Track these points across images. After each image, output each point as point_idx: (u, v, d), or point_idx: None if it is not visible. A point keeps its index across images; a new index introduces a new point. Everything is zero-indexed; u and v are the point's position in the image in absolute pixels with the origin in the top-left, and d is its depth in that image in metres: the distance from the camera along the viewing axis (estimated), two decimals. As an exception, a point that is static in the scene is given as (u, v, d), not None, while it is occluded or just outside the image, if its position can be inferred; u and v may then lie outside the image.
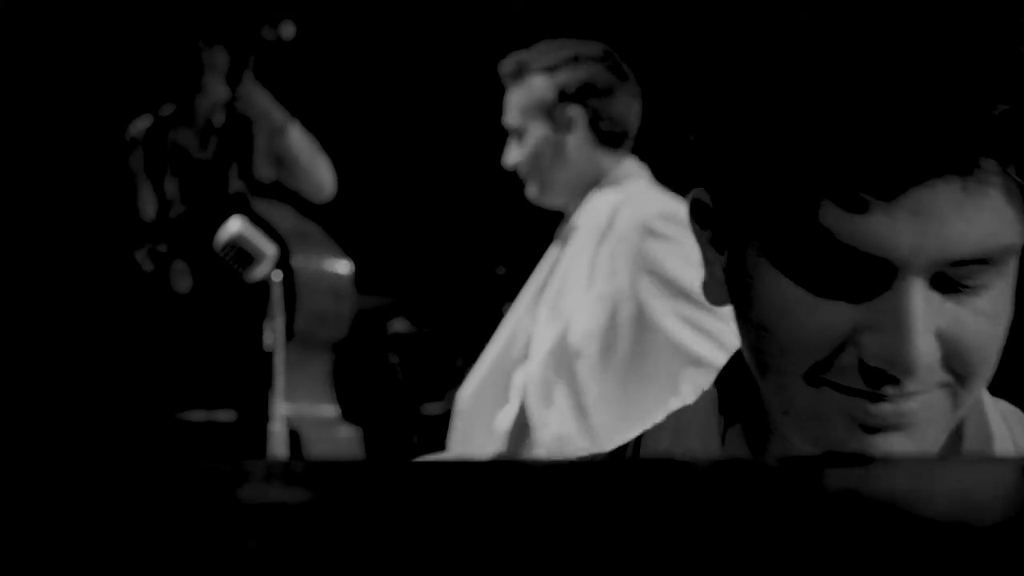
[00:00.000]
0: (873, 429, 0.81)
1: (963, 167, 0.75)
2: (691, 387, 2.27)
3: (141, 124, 4.20)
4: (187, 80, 4.08)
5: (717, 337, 2.26)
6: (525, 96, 2.47)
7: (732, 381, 0.93)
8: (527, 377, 2.40)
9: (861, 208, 0.76)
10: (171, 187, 4.13)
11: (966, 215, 0.76)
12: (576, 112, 2.46)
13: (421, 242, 5.85)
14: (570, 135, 2.46)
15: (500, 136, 2.67)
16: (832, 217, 0.77)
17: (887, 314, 0.78)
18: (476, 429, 2.50)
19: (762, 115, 0.82)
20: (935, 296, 0.79)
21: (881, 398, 0.80)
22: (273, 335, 2.38)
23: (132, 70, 4.89)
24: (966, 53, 0.78)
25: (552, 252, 2.55)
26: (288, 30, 3.92)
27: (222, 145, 3.97)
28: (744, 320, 0.86)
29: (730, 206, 0.85)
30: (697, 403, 0.98)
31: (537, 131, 2.47)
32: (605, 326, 2.31)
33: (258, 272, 2.42)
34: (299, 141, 3.92)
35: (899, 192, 0.75)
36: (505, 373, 2.47)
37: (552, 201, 2.53)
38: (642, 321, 2.30)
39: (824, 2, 0.88)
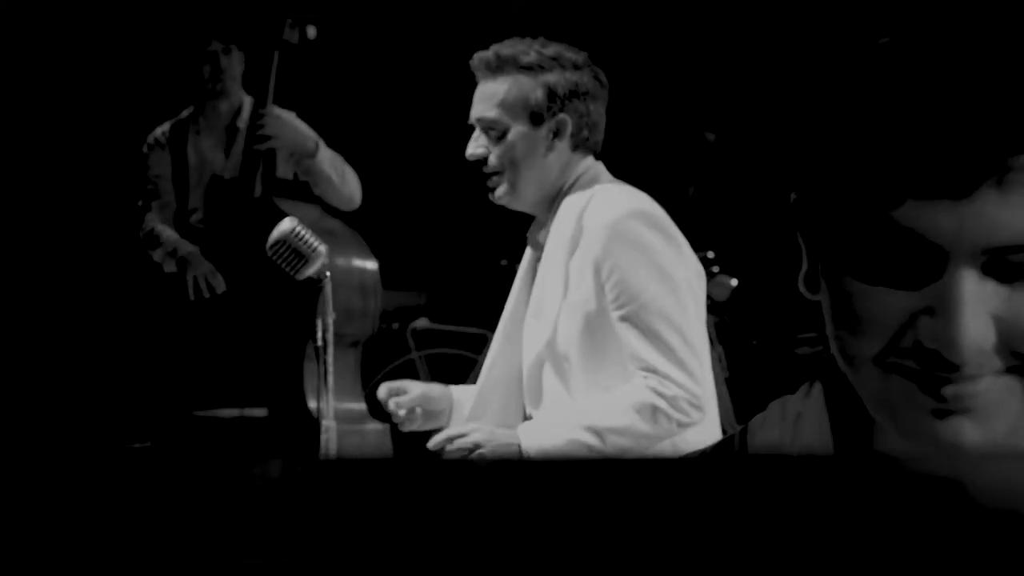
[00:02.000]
0: (940, 413, 0.84)
1: (998, 165, 0.80)
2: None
3: (162, 127, 4.21)
4: (207, 83, 4.09)
5: (666, 343, 2.27)
6: (510, 92, 2.41)
7: (836, 375, 0.97)
8: (525, 379, 2.42)
9: (922, 198, 0.82)
10: (194, 190, 4.14)
11: (1008, 203, 0.80)
12: (565, 118, 2.42)
13: (442, 239, 5.87)
14: (556, 140, 2.43)
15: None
16: (890, 208, 0.83)
17: (940, 299, 0.83)
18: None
19: (846, 129, 0.87)
20: (990, 283, 0.83)
21: (943, 381, 0.84)
22: (323, 333, 2.40)
23: (154, 74, 4.91)
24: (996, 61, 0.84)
25: (529, 257, 2.56)
26: (311, 30, 3.95)
27: (245, 147, 3.98)
28: (826, 312, 0.91)
29: (811, 207, 0.91)
30: (801, 395, 1.02)
31: (520, 130, 2.41)
32: (582, 331, 2.33)
33: (309, 271, 2.44)
34: (327, 164, 3.95)
35: (957, 188, 0.81)
36: (501, 378, 2.49)
37: (520, 204, 2.48)
38: (607, 326, 2.33)
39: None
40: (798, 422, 1.02)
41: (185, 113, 4.20)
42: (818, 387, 1.01)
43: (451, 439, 2.32)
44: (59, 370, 5.35)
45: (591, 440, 2.28)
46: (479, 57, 2.46)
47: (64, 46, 5.54)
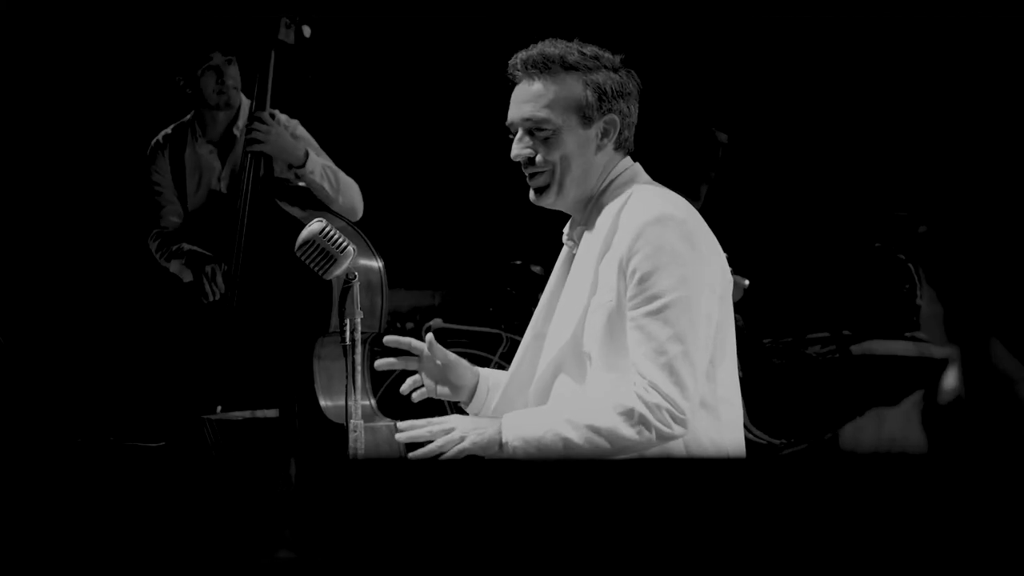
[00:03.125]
0: None
1: None
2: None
3: (164, 131, 4.22)
4: (212, 95, 4.09)
5: (665, 351, 2.26)
6: (560, 92, 2.39)
7: (936, 386, 0.98)
8: (537, 375, 2.43)
9: None
10: (192, 195, 4.15)
11: None
12: (614, 118, 2.42)
13: (455, 240, 5.87)
14: (604, 139, 2.42)
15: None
16: None
17: None
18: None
19: None
20: None
21: None
22: (351, 332, 2.40)
23: (153, 79, 4.91)
24: None
25: (564, 256, 2.56)
26: (307, 30, 3.93)
27: (244, 152, 3.97)
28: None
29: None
30: (906, 417, 1.03)
31: (572, 129, 2.40)
32: (604, 330, 2.34)
33: (337, 271, 2.44)
34: (317, 175, 3.94)
35: None
36: (530, 374, 2.49)
37: (563, 204, 2.47)
38: (623, 329, 2.33)
39: None
40: (889, 423, 1.03)
41: (187, 117, 4.20)
42: (916, 396, 1.02)
43: (434, 431, 2.32)
44: (74, 372, 5.36)
45: (569, 432, 2.27)
46: (521, 58, 2.43)
47: (69, 51, 5.55)
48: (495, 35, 5.45)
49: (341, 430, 3.69)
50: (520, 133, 2.44)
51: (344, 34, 4.88)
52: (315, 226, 2.44)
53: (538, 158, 2.42)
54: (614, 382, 2.33)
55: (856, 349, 5.34)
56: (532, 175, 2.45)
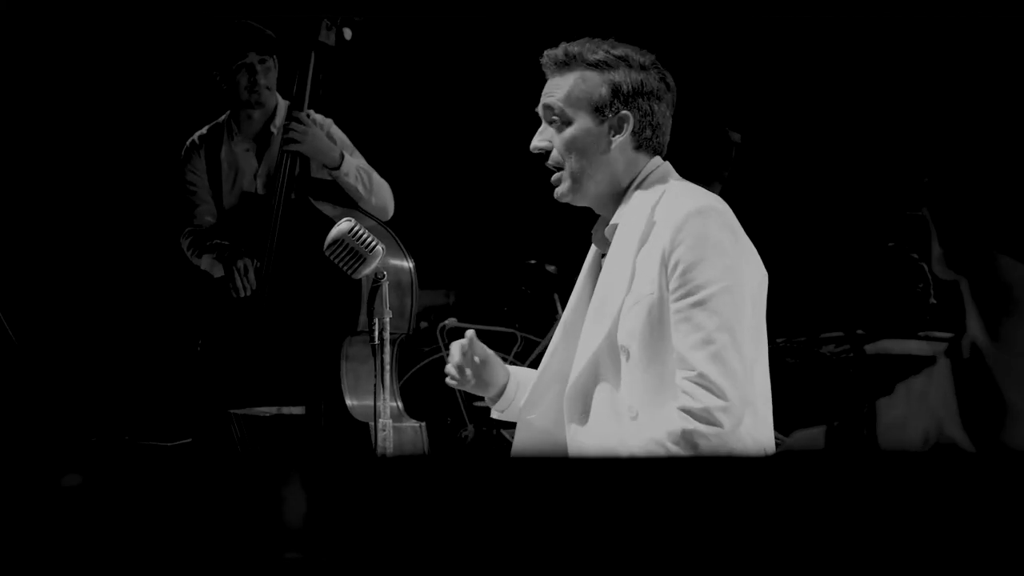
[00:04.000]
0: None
1: None
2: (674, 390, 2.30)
3: (200, 131, 4.24)
4: (244, 94, 4.11)
5: (713, 341, 2.26)
6: (576, 87, 2.45)
7: (968, 364, 0.99)
8: (572, 376, 2.44)
9: None
10: (228, 194, 4.17)
11: None
12: (627, 115, 2.46)
13: (470, 240, 5.88)
14: (618, 135, 2.46)
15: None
16: None
17: None
18: (535, 430, 2.54)
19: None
20: None
21: None
22: (380, 332, 2.42)
23: (190, 78, 4.94)
24: None
25: (593, 255, 2.58)
26: (347, 32, 3.96)
27: (281, 151, 4.01)
28: (968, 292, 0.94)
29: (950, 188, 0.95)
30: (925, 376, 1.04)
31: (583, 123, 2.45)
32: (644, 324, 2.35)
33: (366, 270, 2.46)
34: (351, 176, 3.98)
35: None
36: (559, 373, 2.50)
37: (582, 199, 2.51)
38: (668, 319, 2.34)
39: None
40: (923, 399, 1.04)
41: (222, 117, 4.22)
42: (942, 367, 1.03)
43: None
44: (95, 370, 5.38)
45: None
46: (549, 54, 2.51)
47: (102, 50, 5.58)
48: (511, 38, 5.49)
49: (366, 429, 3.73)
50: (543, 125, 2.52)
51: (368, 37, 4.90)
52: (344, 225, 2.46)
53: (553, 151, 2.49)
54: (652, 380, 2.33)
55: (870, 348, 5.34)
56: (551, 171, 2.51)
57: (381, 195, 4.09)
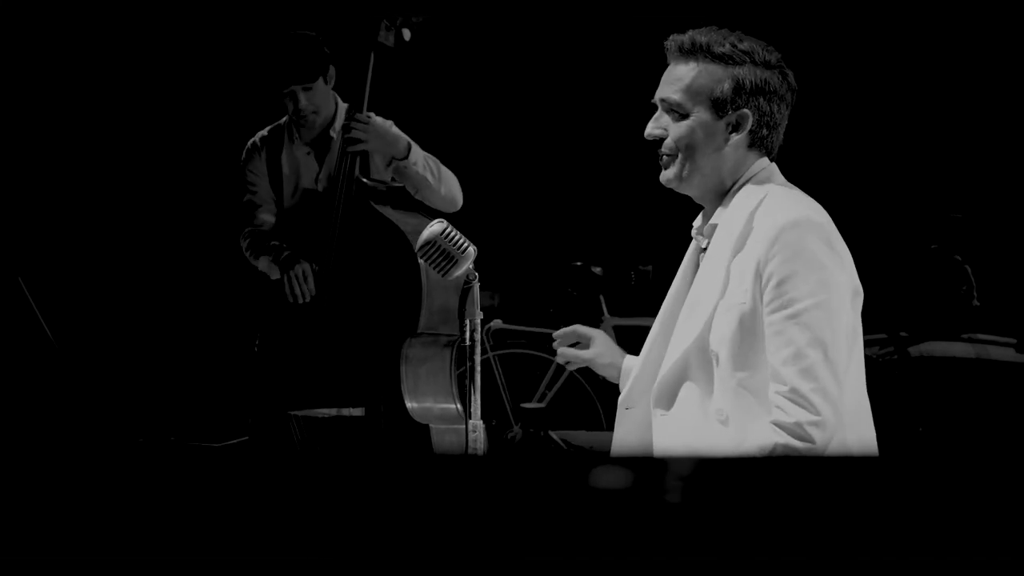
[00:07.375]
0: None
1: None
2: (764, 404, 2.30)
3: (261, 133, 4.24)
4: (292, 117, 4.12)
5: (805, 356, 2.25)
6: (698, 79, 2.41)
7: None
8: (661, 371, 2.44)
9: None
10: (289, 197, 4.16)
11: None
12: (746, 113, 2.41)
13: (514, 242, 5.88)
14: (735, 133, 2.42)
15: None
16: None
17: None
18: (633, 423, 2.54)
19: None
20: None
21: None
22: (471, 332, 2.42)
23: (249, 82, 4.94)
24: None
25: (693, 249, 2.57)
26: (406, 33, 3.96)
27: (339, 153, 4.00)
28: None
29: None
30: None
31: (701, 117, 2.41)
32: (736, 332, 2.33)
33: (458, 271, 2.46)
34: (420, 166, 3.98)
35: None
36: (653, 367, 2.50)
37: (686, 189, 2.49)
38: (760, 329, 2.32)
39: None
40: None
41: (283, 119, 4.22)
42: None
43: None
44: (142, 372, 5.39)
45: None
46: (674, 39, 2.46)
47: (168, 54, 5.59)
48: (559, 42, 5.49)
49: (426, 431, 3.73)
50: (659, 112, 2.48)
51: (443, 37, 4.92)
52: (436, 227, 2.46)
53: (668, 140, 2.45)
54: (743, 381, 2.33)
55: (914, 351, 5.34)
56: (661, 156, 2.48)
57: (449, 185, 4.08)
